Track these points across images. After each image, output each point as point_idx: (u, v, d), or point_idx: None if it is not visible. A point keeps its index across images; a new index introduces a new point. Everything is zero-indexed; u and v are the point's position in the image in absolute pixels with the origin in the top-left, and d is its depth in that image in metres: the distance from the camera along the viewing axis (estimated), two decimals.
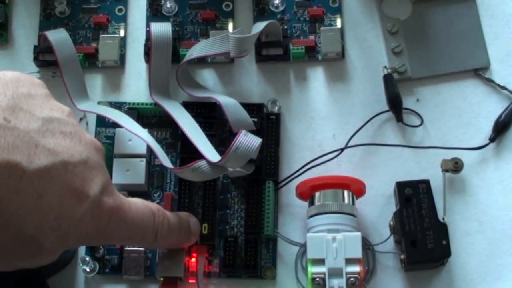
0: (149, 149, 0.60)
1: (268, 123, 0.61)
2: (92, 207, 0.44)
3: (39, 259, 0.43)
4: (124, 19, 0.66)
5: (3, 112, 0.40)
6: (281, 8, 0.65)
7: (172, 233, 0.54)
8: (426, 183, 0.58)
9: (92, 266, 0.59)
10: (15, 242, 0.41)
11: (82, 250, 0.60)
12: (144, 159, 0.60)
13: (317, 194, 0.58)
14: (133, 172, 0.60)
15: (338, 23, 0.65)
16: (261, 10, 0.66)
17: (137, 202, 0.50)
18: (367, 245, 0.59)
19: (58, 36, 0.61)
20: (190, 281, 0.59)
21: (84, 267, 0.59)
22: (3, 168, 0.38)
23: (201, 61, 0.64)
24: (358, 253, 0.55)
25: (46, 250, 0.42)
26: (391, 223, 0.58)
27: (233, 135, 0.58)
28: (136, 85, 0.65)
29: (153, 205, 0.52)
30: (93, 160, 0.44)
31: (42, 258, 0.43)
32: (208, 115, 0.62)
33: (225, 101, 0.60)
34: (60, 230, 0.42)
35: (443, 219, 0.58)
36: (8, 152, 0.39)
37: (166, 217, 0.53)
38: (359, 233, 0.55)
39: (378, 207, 0.61)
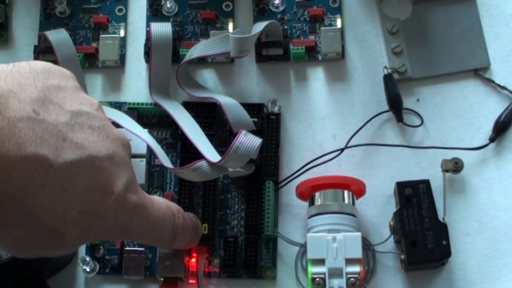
0: (149, 149, 0.60)
1: (268, 123, 0.61)
2: (116, 203, 0.44)
3: (60, 250, 0.43)
4: (124, 19, 0.66)
5: (33, 104, 0.40)
6: (281, 8, 0.65)
7: (188, 235, 0.55)
8: (426, 183, 0.58)
9: (92, 266, 0.59)
10: (38, 233, 0.41)
11: (82, 250, 0.60)
12: (144, 159, 0.60)
13: (317, 194, 0.58)
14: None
15: (338, 23, 0.65)
16: (261, 10, 0.66)
17: (160, 201, 0.51)
18: (367, 245, 0.59)
19: (58, 36, 0.61)
20: (190, 281, 0.59)
21: (84, 267, 0.59)
22: (30, 161, 0.38)
23: (201, 61, 0.64)
24: (358, 253, 0.55)
25: (67, 243, 0.42)
26: (391, 223, 0.58)
27: (233, 135, 0.58)
28: (136, 85, 0.65)
29: (174, 206, 0.53)
30: (119, 156, 0.44)
31: (63, 249, 0.43)
32: (208, 115, 0.62)
33: (225, 101, 0.60)
34: (82, 224, 0.42)
35: (443, 219, 0.58)
36: (35, 145, 0.39)
37: (185, 219, 0.53)
38: (359, 233, 0.55)
39: (378, 207, 0.61)
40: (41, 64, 0.43)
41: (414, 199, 0.58)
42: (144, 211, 0.47)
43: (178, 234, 0.52)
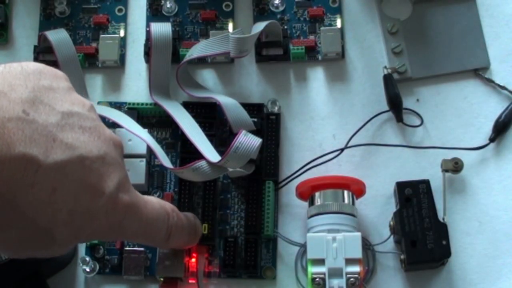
0: (149, 149, 0.60)
1: (268, 123, 0.61)
2: (107, 203, 0.44)
3: (51, 250, 0.43)
4: (124, 19, 0.66)
5: (23, 104, 0.40)
6: (281, 8, 0.65)
7: (183, 235, 0.54)
8: (426, 183, 0.58)
9: (92, 266, 0.59)
10: (28, 233, 0.41)
11: (82, 250, 0.60)
12: (144, 159, 0.60)
13: (317, 194, 0.58)
14: (133, 172, 0.59)
15: (338, 23, 0.65)
16: (261, 10, 0.66)
17: (153, 201, 0.50)
18: (367, 245, 0.59)
19: (58, 36, 0.61)
20: (190, 281, 0.59)
21: (84, 267, 0.59)
22: (19, 161, 0.39)
23: (201, 61, 0.64)
24: (358, 253, 0.55)
25: (58, 243, 0.42)
26: (391, 223, 0.58)
27: (233, 135, 0.58)
28: (136, 85, 0.65)
29: (168, 206, 0.52)
30: (111, 156, 0.44)
31: (54, 249, 0.43)
32: (208, 115, 0.62)
33: (225, 101, 0.60)
34: (73, 224, 0.42)
35: (443, 219, 0.58)
36: (25, 145, 0.39)
37: (180, 219, 0.53)
38: (359, 233, 0.55)
39: (378, 207, 0.61)
40: (33, 66, 0.43)
41: (414, 199, 0.58)
42: (136, 210, 0.47)
43: (172, 233, 0.52)
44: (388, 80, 0.62)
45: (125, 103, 0.63)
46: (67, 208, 0.41)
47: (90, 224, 0.43)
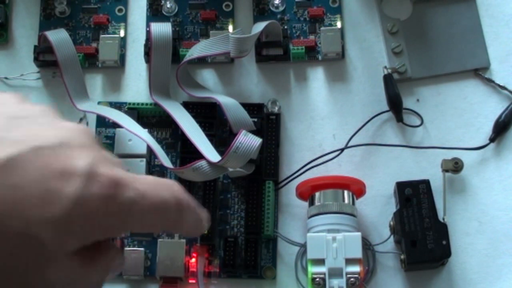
0: (149, 149, 0.60)
1: (268, 123, 0.61)
2: (85, 182, 0.40)
3: (53, 266, 0.39)
4: (124, 19, 0.66)
5: None
6: (281, 8, 0.65)
7: (195, 214, 0.47)
8: (426, 183, 0.58)
9: None
10: (10, 244, 0.38)
11: None
12: (144, 159, 0.60)
13: (317, 194, 0.58)
14: (133, 172, 0.59)
15: (338, 23, 0.65)
16: (261, 10, 0.66)
17: (148, 177, 0.45)
18: (367, 245, 0.59)
19: (58, 36, 0.61)
20: (190, 281, 0.59)
21: None
22: None
23: (201, 61, 0.64)
24: (358, 253, 0.55)
25: (51, 249, 0.38)
26: (391, 223, 0.58)
27: (233, 135, 0.58)
28: (136, 85, 0.65)
29: (170, 180, 0.46)
30: (78, 141, 0.41)
31: (55, 264, 0.39)
32: (208, 115, 0.62)
33: (225, 101, 0.60)
34: (54, 217, 0.38)
35: (443, 219, 0.58)
36: None
37: (188, 195, 0.46)
38: (359, 233, 0.55)
39: (378, 207, 0.61)
40: None
41: (414, 199, 0.58)
42: (131, 181, 0.42)
43: (184, 208, 0.45)
44: (388, 80, 0.62)
45: (125, 103, 0.63)
46: (39, 201, 0.38)
47: (76, 214, 0.39)
